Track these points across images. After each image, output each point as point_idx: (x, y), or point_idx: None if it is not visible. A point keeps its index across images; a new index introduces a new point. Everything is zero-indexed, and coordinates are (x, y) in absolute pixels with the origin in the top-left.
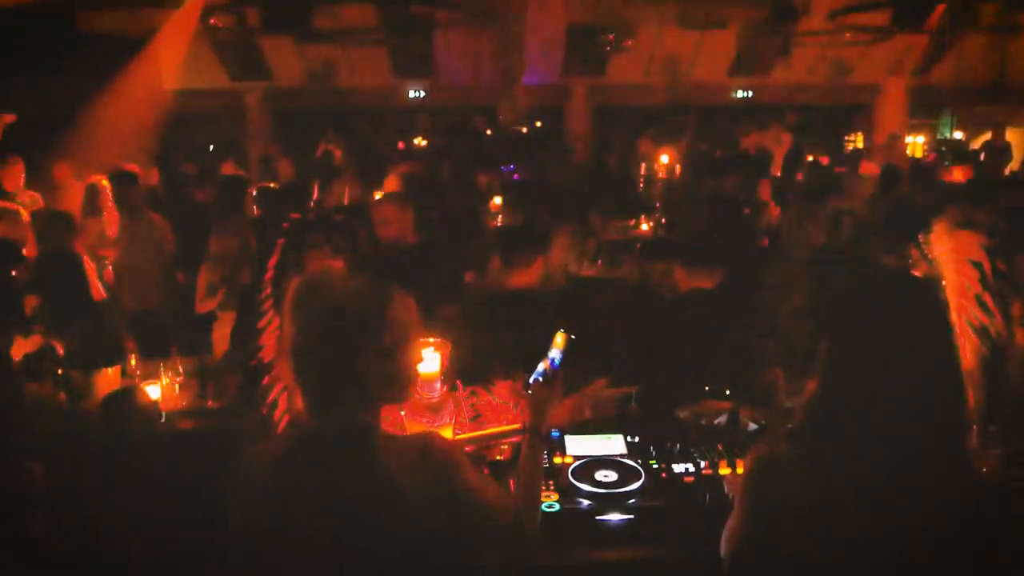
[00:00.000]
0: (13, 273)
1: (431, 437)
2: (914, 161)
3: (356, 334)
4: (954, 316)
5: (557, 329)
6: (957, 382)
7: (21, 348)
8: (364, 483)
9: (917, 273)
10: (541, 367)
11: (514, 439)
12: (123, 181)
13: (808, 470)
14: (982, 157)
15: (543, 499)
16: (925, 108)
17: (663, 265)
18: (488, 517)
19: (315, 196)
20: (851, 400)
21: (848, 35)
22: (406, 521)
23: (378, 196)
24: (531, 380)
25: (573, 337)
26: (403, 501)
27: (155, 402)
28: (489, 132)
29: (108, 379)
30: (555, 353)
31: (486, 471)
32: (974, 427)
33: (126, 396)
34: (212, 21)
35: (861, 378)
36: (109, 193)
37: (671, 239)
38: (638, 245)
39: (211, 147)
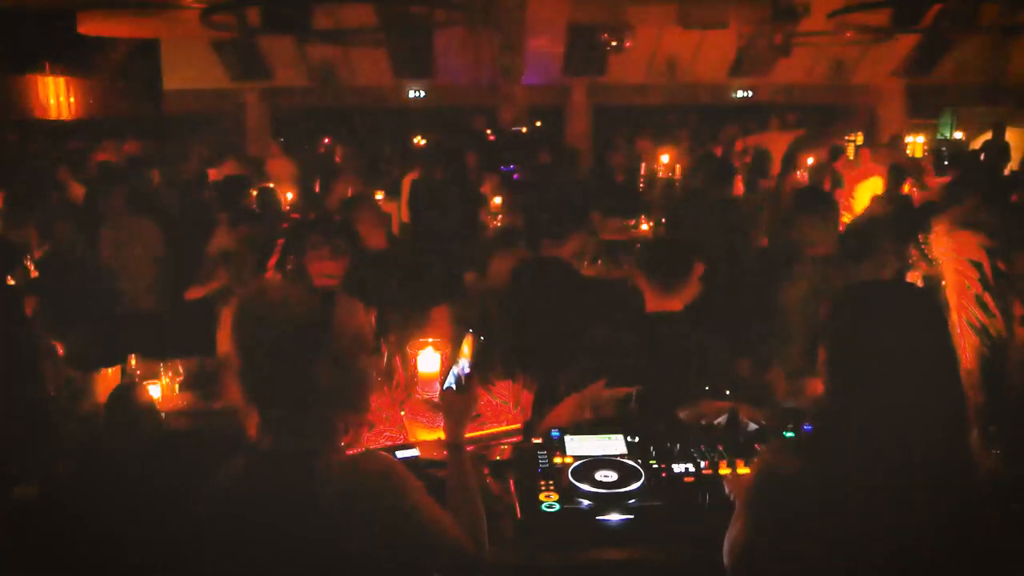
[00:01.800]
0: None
1: (369, 460)
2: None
3: (301, 344)
4: (954, 316)
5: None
6: (958, 386)
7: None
8: (299, 508)
9: (917, 273)
10: (452, 375)
11: (514, 439)
12: (110, 182)
13: (815, 482)
14: (982, 157)
15: (543, 499)
16: (925, 108)
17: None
18: (430, 542)
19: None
20: (857, 410)
21: (848, 35)
22: (340, 550)
23: (379, 196)
24: (443, 389)
25: (482, 339)
26: (335, 528)
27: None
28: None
29: (108, 379)
30: (464, 360)
31: (486, 471)
32: (974, 427)
33: (131, 392)
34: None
35: (865, 387)
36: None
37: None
38: (638, 245)
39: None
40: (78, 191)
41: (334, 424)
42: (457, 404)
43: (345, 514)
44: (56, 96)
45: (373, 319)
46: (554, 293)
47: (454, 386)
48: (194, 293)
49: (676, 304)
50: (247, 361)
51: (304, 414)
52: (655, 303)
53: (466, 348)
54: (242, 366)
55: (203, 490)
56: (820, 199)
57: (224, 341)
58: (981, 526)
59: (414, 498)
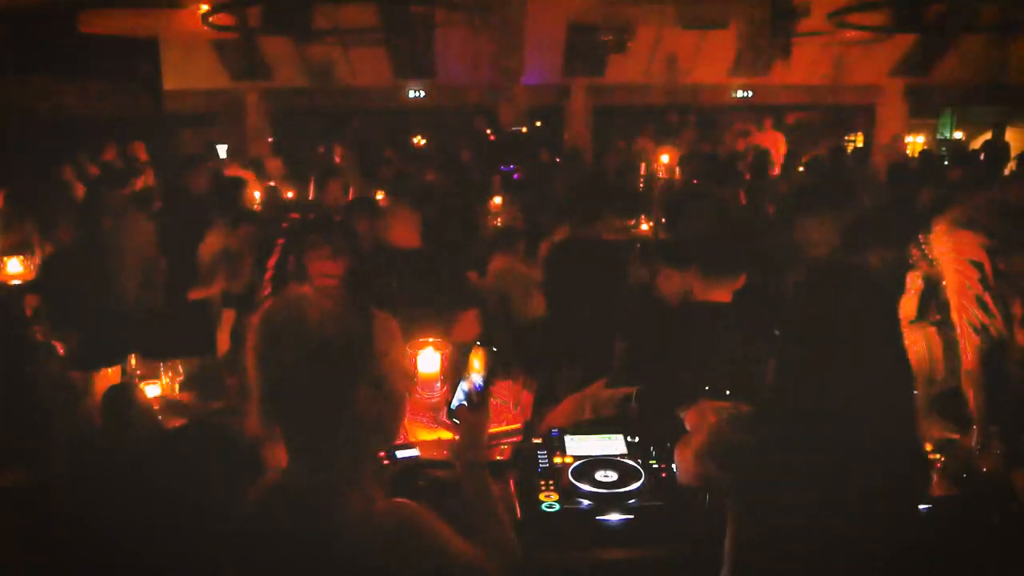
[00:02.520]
0: None
1: (410, 514)
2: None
3: (342, 366)
4: (954, 316)
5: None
6: (905, 371)
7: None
8: (322, 550)
9: (917, 273)
10: (463, 391)
11: (514, 439)
12: (108, 183)
13: (762, 452)
14: (982, 157)
15: (543, 499)
16: (925, 108)
17: (672, 271)
18: None
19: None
20: (802, 388)
21: (848, 35)
22: None
23: (380, 196)
24: (454, 406)
25: (495, 350)
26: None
27: (154, 400)
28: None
29: (108, 379)
30: (476, 375)
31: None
32: (974, 427)
33: (126, 390)
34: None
35: (811, 367)
36: None
37: (685, 244)
38: (638, 245)
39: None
40: (81, 191)
41: (366, 454)
42: (472, 421)
43: (381, 568)
44: (56, 96)
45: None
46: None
47: (466, 403)
48: (198, 294)
49: (725, 295)
50: (275, 384)
51: (337, 443)
52: (703, 293)
53: (477, 363)
54: (267, 389)
55: (220, 518)
56: (821, 199)
57: (224, 342)
58: (913, 508)
59: (459, 543)
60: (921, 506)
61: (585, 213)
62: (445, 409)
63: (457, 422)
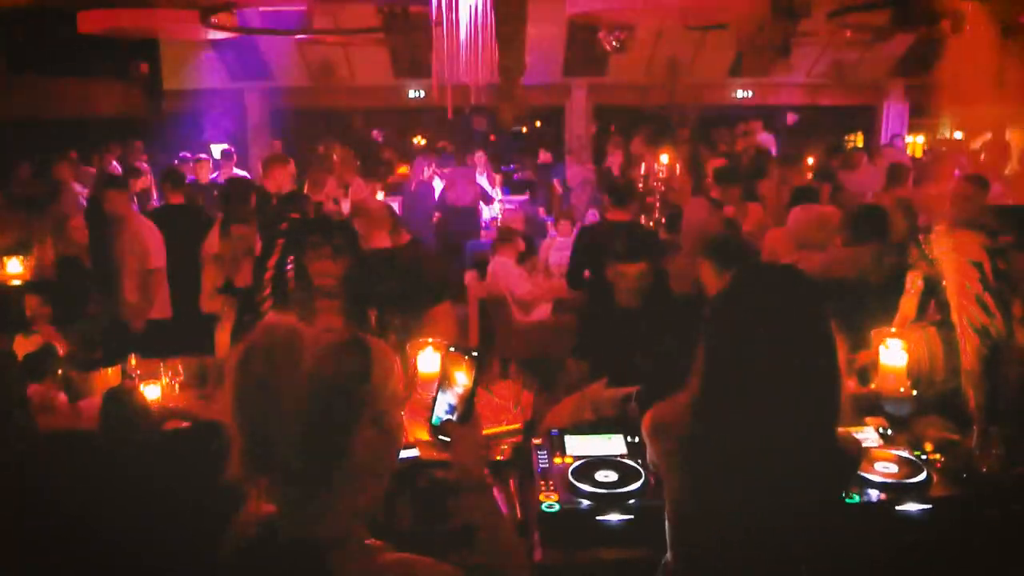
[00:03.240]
0: None
1: (414, 571)
2: None
3: (344, 409)
4: (954, 316)
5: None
6: (832, 373)
7: (22, 348)
8: None
9: (917, 273)
10: (447, 403)
11: (514, 439)
12: (109, 185)
13: (693, 442)
14: (982, 157)
15: (543, 499)
16: (925, 108)
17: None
18: None
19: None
20: (722, 378)
21: (848, 35)
22: None
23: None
24: (437, 421)
25: (475, 354)
26: None
27: (154, 401)
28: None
29: (108, 379)
30: (462, 378)
31: (486, 471)
32: (974, 427)
33: (126, 392)
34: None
35: (737, 366)
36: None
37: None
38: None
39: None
40: (78, 191)
41: (365, 501)
42: (465, 436)
43: None
44: (55, 95)
45: (373, 319)
46: None
47: (453, 416)
48: (212, 305)
49: None
50: (261, 431)
51: (333, 494)
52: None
53: (461, 376)
54: (252, 437)
55: (221, 519)
56: (815, 199)
57: (224, 344)
58: (830, 511)
59: None
60: (921, 506)
61: (618, 195)
62: (427, 426)
63: (445, 439)
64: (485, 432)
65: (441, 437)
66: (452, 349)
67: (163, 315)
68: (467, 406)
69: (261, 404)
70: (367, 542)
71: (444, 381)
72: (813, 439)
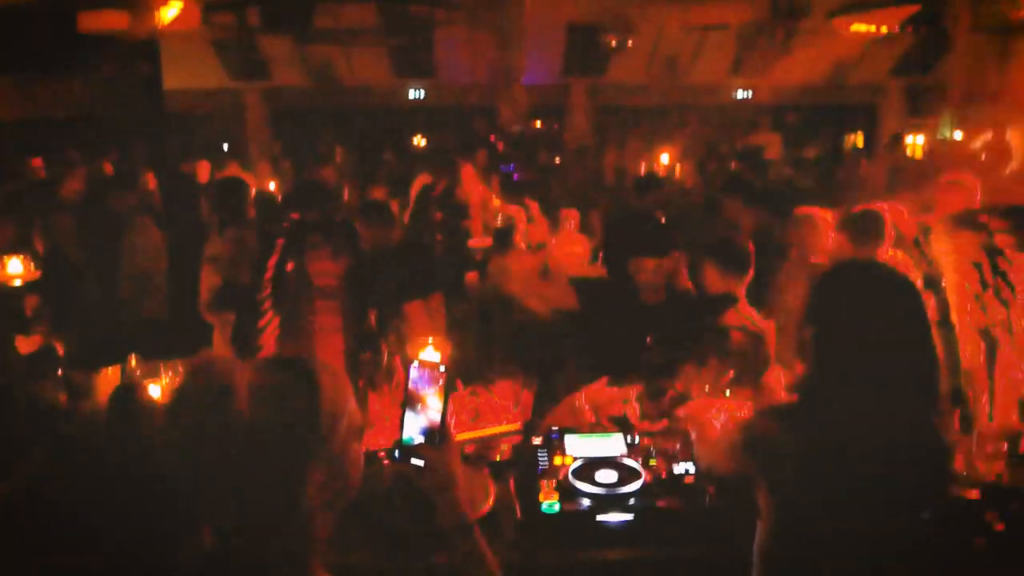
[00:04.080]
0: None
1: None
2: None
3: (293, 453)
4: (954, 316)
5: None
6: (931, 365)
7: (22, 348)
8: None
9: (917, 273)
10: (418, 422)
11: (514, 439)
12: (109, 185)
13: (793, 446)
14: (982, 157)
15: (543, 499)
16: (925, 108)
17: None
18: None
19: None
20: (836, 383)
21: (848, 35)
22: None
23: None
24: (408, 441)
25: (443, 368)
26: None
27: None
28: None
29: (108, 379)
30: (431, 393)
31: (486, 471)
32: (975, 427)
33: (133, 391)
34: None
35: (845, 361)
36: None
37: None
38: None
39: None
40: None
41: (318, 537)
42: (442, 464)
43: None
44: (55, 96)
45: (373, 319)
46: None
47: (425, 437)
48: (213, 315)
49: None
50: (198, 483)
51: (283, 539)
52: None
53: (430, 392)
54: (188, 489)
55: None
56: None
57: (223, 343)
58: (942, 493)
59: None
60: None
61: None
62: (396, 449)
63: (418, 462)
64: (485, 432)
65: (414, 461)
66: (423, 356)
67: (162, 315)
68: (442, 426)
69: (194, 453)
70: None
71: (412, 398)
72: (919, 426)
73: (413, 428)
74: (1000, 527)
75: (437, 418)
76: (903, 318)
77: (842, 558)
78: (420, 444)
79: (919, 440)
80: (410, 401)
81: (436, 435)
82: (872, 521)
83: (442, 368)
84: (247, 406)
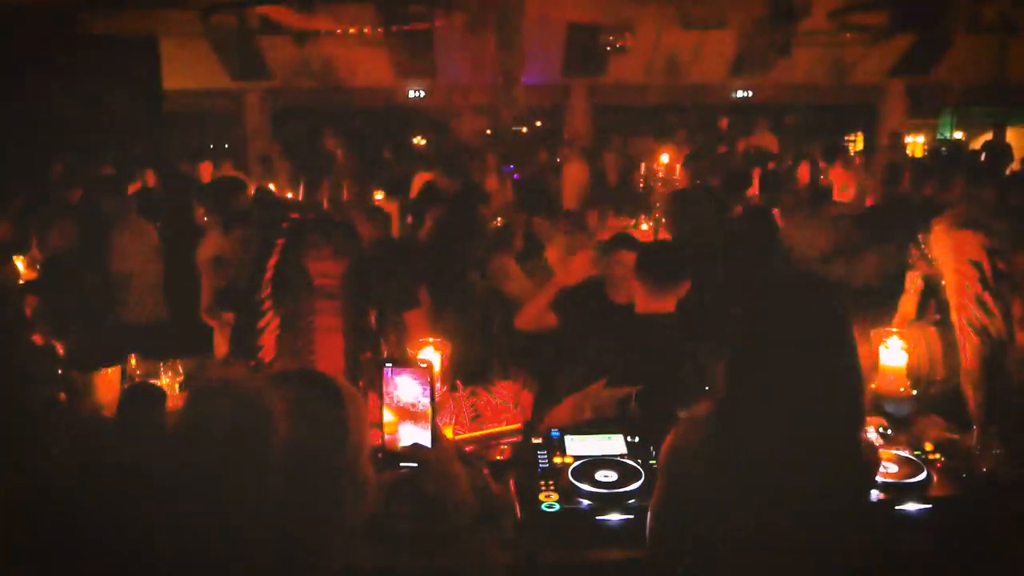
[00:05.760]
0: None
1: None
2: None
3: (328, 471)
4: (954, 316)
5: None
6: (854, 379)
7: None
8: None
9: (917, 273)
10: (410, 429)
11: (514, 439)
12: (107, 186)
13: (714, 455)
14: (983, 157)
15: (543, 499)
16: (925, 108)
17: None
18: None
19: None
20: (753, 393)
21: (848, 35)
22: None
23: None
24: (403, 445)
25: (423, 365)
26: None
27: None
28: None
29: (108, 379)
30: (417, 391)
31: (486, 471)
32: (974, 427)
33: (154, 391)
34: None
35: (762, 374)
36: None
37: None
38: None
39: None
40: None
41: (332, 563)
42: (440, 460)
43: None
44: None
45: (373, 319)
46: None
47: (420, 440)
48: (214, 318)
49: (669, 305)
50: (219, 507)
51: (303, 555)
52: (646, 304)
53: (414, 388)
54: (204, 526)
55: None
56: (821, 201)
57: (222, 344)
58: (861, 503)
59: None
60: (921, 506)
61: None
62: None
63: (413, 464)
64: (485, 432)
65: (408, 464)
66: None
67: (161, 316)
68: (433, 425)
69: (213, 484)
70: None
71: (397, 407)
72: (838, 444)
73: (407, 432)
74: (1000, 527)
75: (427, 425)
76: (822, 334)
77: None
78: (416, 445)
79: (836, 460)
80: (397, 411)
81: (432, 435)
82: (789, 542)
83: (423, 364)
84: (280, 429)
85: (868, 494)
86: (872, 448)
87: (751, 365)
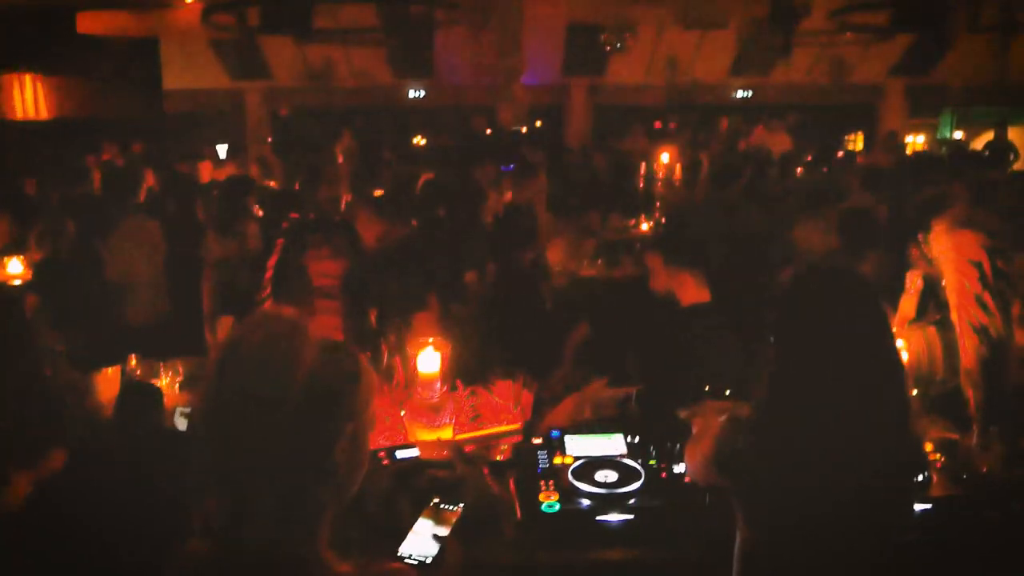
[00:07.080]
0: None
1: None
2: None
3: (329, 419)
4: (954, 316)
5: None
6: (899, 373)
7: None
8: None
9: (917, 272)
10: (425, 534)
11: (514, 439)
12: (115, 184)
13: (758, 455)
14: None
15: (543, 499)
16: (925, 108)
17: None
18: None
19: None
20: (797, 393)
21: (848, 35)
22: None
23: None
24: (410, 556)
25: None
26: None
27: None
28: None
29: (108, 379)
30: (440, 525)
31: (486, 471)
32: (974, 427)
33: (146, 386)
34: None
35: (807, 373)
36: None
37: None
38: (638, 244)
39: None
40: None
41: (325, 518)
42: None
43: None
44: (56, 96)
45: (373, 319)
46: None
47: (427, 558)
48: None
49: (707, 295)
50: (237, 434)
51: (300, 507)
52: (693, 296)
53: (440, 524)
54: (221, 438)
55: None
56: (822, 200)
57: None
58: (911, 506)
59: None
60: (921, 506)
61: None
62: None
63: (413, 563)
64: (485, 432)
65: (410, 562)
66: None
67: (161, 316)
68: (440, 552)
69: (248, 402)
70: (326, 558)
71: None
72: (889, 439)
73: (420, 539)
74: (1000, 527)
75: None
76: (864, 327)
77: (818, 568)
78: (421, 563)
79: (890, 449)
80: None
81: (436, 559)
82: (846, 532)
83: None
84: (309, 359)
85: (916, 489)
86: (920, 442)
87: (796, 363)
